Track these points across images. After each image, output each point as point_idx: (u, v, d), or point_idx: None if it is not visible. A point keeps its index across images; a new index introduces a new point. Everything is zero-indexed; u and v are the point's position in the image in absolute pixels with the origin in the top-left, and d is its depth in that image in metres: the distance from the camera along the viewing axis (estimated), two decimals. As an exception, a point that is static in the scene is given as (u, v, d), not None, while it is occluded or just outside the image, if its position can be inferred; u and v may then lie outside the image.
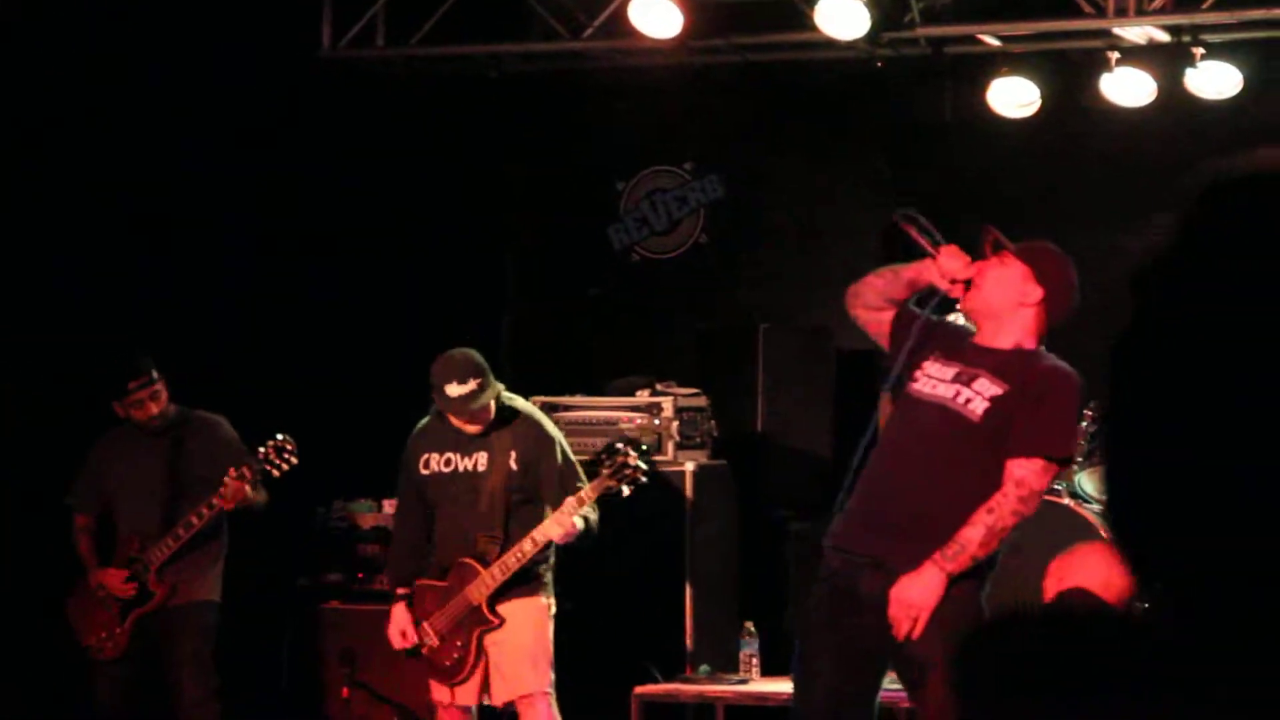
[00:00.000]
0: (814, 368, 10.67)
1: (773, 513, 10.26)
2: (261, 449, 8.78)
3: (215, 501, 8.70)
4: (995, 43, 10.13)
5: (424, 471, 8.31)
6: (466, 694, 8.28)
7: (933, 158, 10.77)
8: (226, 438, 8.98)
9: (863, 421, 10.50)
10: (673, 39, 9.92)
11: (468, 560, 8.19)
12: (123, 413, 8.86)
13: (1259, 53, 9.84)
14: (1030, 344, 6.53)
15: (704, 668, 9.52)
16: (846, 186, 11.28)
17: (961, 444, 6.41)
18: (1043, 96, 10.12)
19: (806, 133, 11.30)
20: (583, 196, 11.85)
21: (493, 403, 8.18)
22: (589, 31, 10.33)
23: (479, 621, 8.19)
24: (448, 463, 8.28)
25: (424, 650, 8.29)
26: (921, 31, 9.91)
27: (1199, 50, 9.79)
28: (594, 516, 8.16)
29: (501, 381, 8.30)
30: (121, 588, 8.84)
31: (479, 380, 8.09)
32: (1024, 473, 6.38)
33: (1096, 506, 9.03)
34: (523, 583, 8.19)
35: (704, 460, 9.94)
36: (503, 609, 8.20)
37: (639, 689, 9.22)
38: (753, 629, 9.41)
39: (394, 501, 8.87)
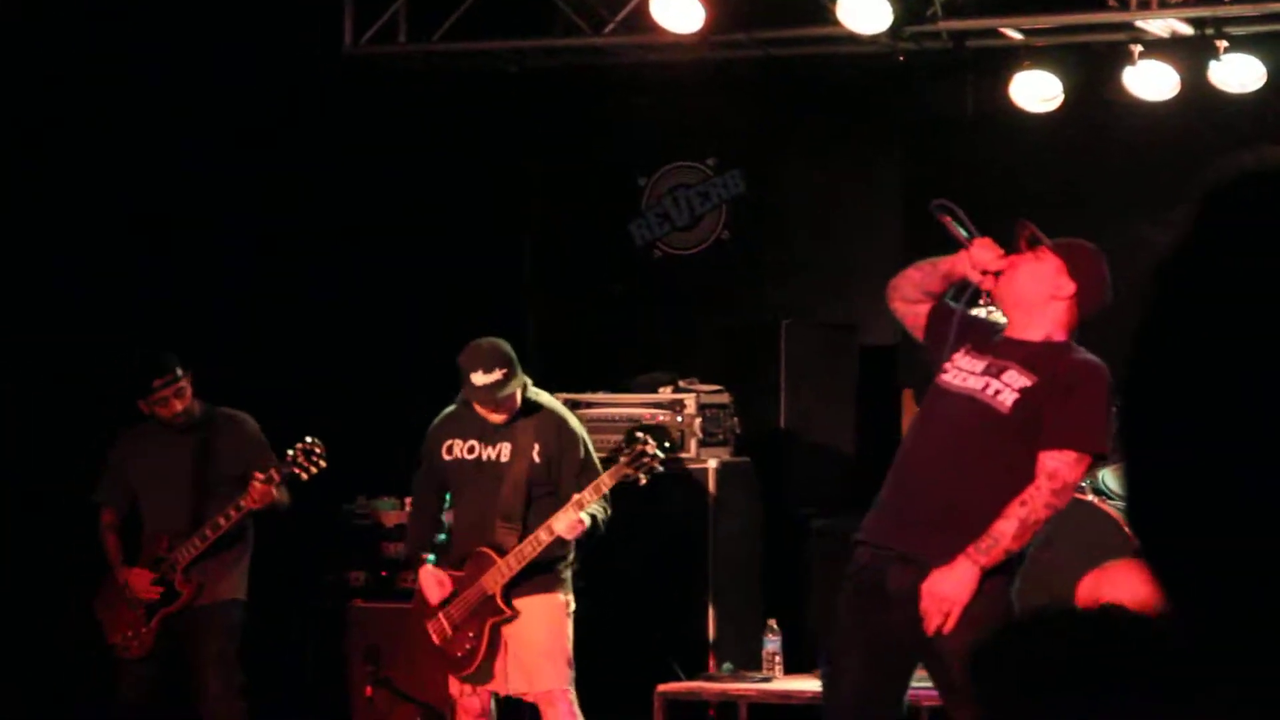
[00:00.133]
0: (837, 364, 10.66)
1: (796, 509, 10.25)
2: (290, 451, 8.79)
3: (243, 503, 8.71)
4: (1017, 36, 10.10)
5: (446, 457, 8.34)
6: (480, 688, 8.28)
7: (954, 152, 10.75)
8: (252, 435, 8.99)
9: (886, 418, 10.55)
10: (694, 34, 9.91)
11: (485, 549, 8.21)
12: (147, 410, 8.87)
13: (1283, 45, 9.82)
14: (1060, 336, 6.54)
15: (727, 665, 9.51)
16: (869, 181, 11.27)
17: (990, 436, 6.41)
18: (1065, 90, 10.09)
19: (828, 127, 11.29)
20: (604, 192, 11.85)
21: (519, 393, 8.21)
22: (611, 27, 10.32)
23: (493, 611, 8.20)
24: (471, 450, 8.31)
25: (438, 640, 8.31)
26: (943, 25, 9.89)
27: (1222, 43, 9.76)
28: (600, 512, 8.15)
29: (527, 375, 8.32)
30: (148, 590, 8.85)
31: (505, 370, 8.11)
32: (1056, 465, 6.37)
33: (1121, 503, 9.01)
34: (541, 579, 8.20)
35: (727, 457, 9.93)
36: (520, 604, 8.22)
37: (662, 686, 9.22)
38: (776, 626, 9.40)
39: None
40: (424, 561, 8.37)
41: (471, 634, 8.24)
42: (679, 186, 11.76)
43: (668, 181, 11.77)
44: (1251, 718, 1.42)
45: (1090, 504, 8.89)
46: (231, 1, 10.19)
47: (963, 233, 6.58)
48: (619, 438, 9.69)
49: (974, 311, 6.95)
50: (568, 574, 8.30)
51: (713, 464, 9.79)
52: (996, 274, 6.51)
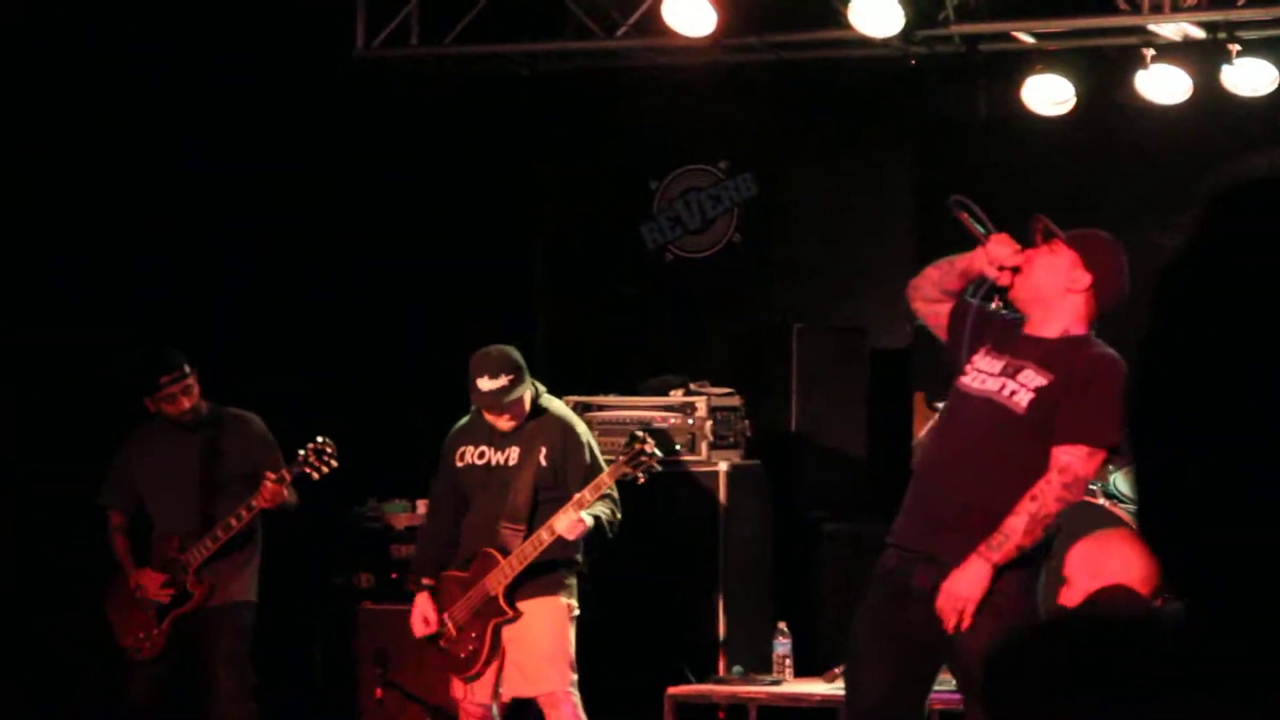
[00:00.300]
0: (848, 367, 10.66)
1: (806, 512, 10.25)
2: (301, 451, 8.80)
3: (254, 503, 8.73)
4: (1030, 40, 10.10)
5: (459, 464, 8.39)
6: (482, 690, 8.32)
7: (966, 155, 10.74)
8: (259, 434, 9.00)
9: (897, 421, 10.55)
10: (706, 37, 9.91)
11: (490, 550, 8.24)
12: (154, 408, 8.87)
13: (1295, 50, 9.81)
14: (1079, 330, 6.52)
15: (737, 668, 9.52)
16: (880, 185, 11.27)
17: (1007, 436, 6.41)
18: (1077, 94, 10.09)
19: (840, 131, 11.29)
20: (616, 195, 11.86)
21: (526, 399, 8.23)
22: (623, 30, 10.32)
23: (495, 612, 8.23)
24: (481, 455, 8.35)
25: (442, 641, 8.33)
26: (955, 29, 9.89)
27: (1235, 47, 9.76)
28: (607, 515, 8.17)
29: (537, 380, 8.34)
30: (159, 592, 8.86)
31: (511, 376, 8.14)
32: (1069, 459, 6.37)
33: (1132, 506, 9.00)
34: (544, 582, 8.24)
35: (738, 460, 9.93)
36: (523, 606, 8.25)
37: (672, 689, 9.22)
38: (786, 629, 9.41)
39: (427, 502, 8.91)
40: (424, 588, 8.39)
41: (474, 634, 8.27)
42: (691, 190, 11.76)
43: (679, 185, 11.78)
44: (1259, 717, 1.42)
45: (1102, 508, 8.89)
46: (243, 3, 10.20)
47: (979, 229, 6.57)
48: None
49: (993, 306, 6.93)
50: (572, 579, 8.32)
51: (723, 467, 9.79)
52: (1014, 270, 6.49)
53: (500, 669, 8.30)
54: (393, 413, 10.42)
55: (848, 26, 9.66)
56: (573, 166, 11.82)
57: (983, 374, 6.53)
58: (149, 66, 9.85)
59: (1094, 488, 8.76)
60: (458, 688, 8.37)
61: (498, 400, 8.16)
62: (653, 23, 10.01)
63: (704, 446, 9.84)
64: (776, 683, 9.31)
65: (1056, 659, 1.52)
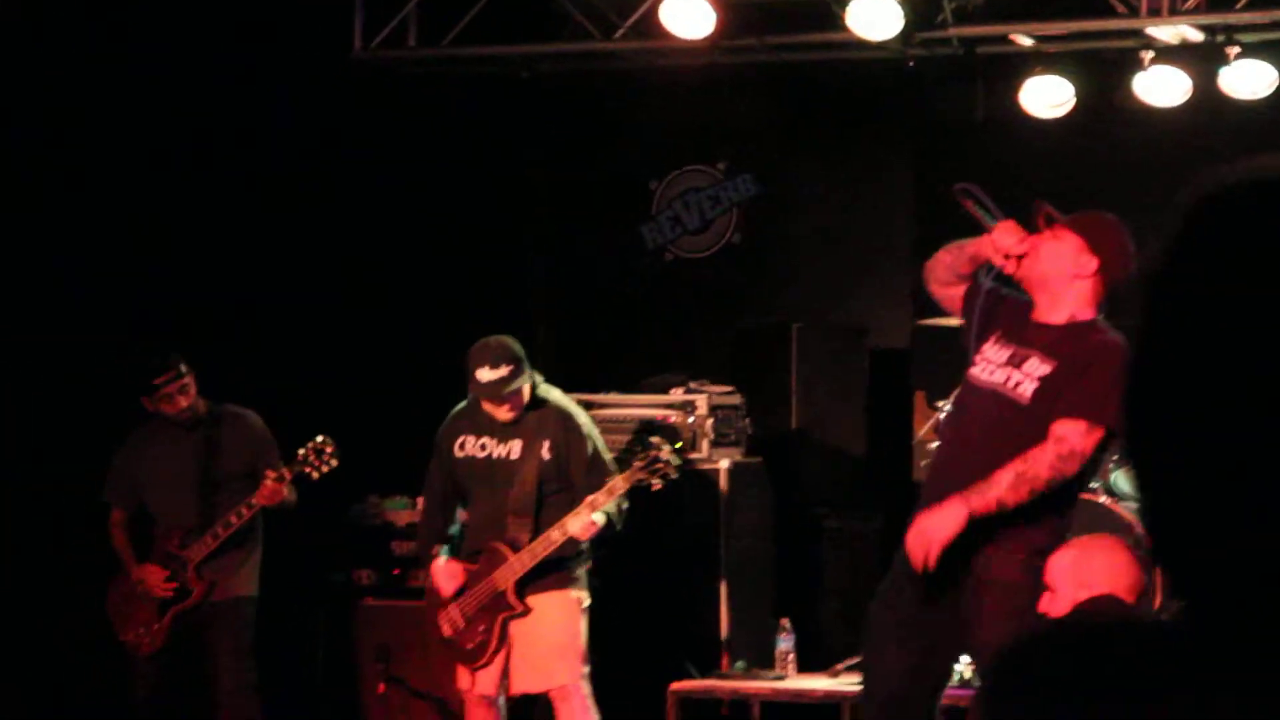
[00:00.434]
0: (847, 366, 10.70)
1: (807, 509, 10.29)
2: (301, 450, 8.83)
3: (254, 501, 8.76)
4: (1028, 42, 10.12)
5: (458, 454, 8.37)
6: (487, 681, 8.32)
7: (965, 157, 10.76)
8: (257, 431, 9.03)
9: (896, 419, 10.58)
10: (704, 39, 9.93)
11: (498, 545, 8.24)
12: (152, 407, 8.90)
13: (1293, 52, 9.84)
14: (1086, 314, 6.50)
15: (740, 664, 9.54)
16: (880, 186, 11.30)
17: (1013, 428, 6.41)
18: (1076, 96, 10.10)
19: (839, 133, 11.32)
20: (616, 196, 11.88)
21: (526, 389, 8.23)
22: (621, 32, 10.34)
23: (504, 607, 8.24)
24: (483, 448, 8.34)
25: (449, 631, 8.34)
26: (954, 31, 9.91)
27: (1233, 50, 9.78)
28: (615, 511, 8.18)
29: (537, 373, 8.34)
30: (161, 586, 8.89)
31: (511, 366, 8.13)
32: (1065, 431, 6.36)
33: (1133, 505, 9.03)
34: (555, 576, 8.24)
35: (739, 457, 9.96)
36: (534, 601, 8.25)
37: (675, 685, 9.23)
38: (788, 625, 9.43)
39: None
40: (437, 555, 8.40)
41: (483, 627, 8.27)
42: (690, 190, 11.79)
43: (679, 185, 11.81)
44: None
45: (1102, 506, 8.92)
46: (241, 3, 10.22)
47: (985, 216, 6.57)
48: (630, 439, 9.73)
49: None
50: (582, 571, 8.33)
51: (725, 464, 9.81)
52: (1020, 257, 6.49)
53: (508, 661, 8.31)
54: (394, 410, 10.44)
55: (846, 29, 9.67)
56: (572, 168, 11.84)
57: (991, 364, 6.54)
58: (147, 66, 9.85)
59: (1094, 486, 8.78)
60: (464, 678, 8.38)
61: (498, 391, 8.16)
62: (651, 24, 10.03)
63: (705, 444, 9.86)
64: (780, 678, 9.33)
65: (1058, 665, 1.52)
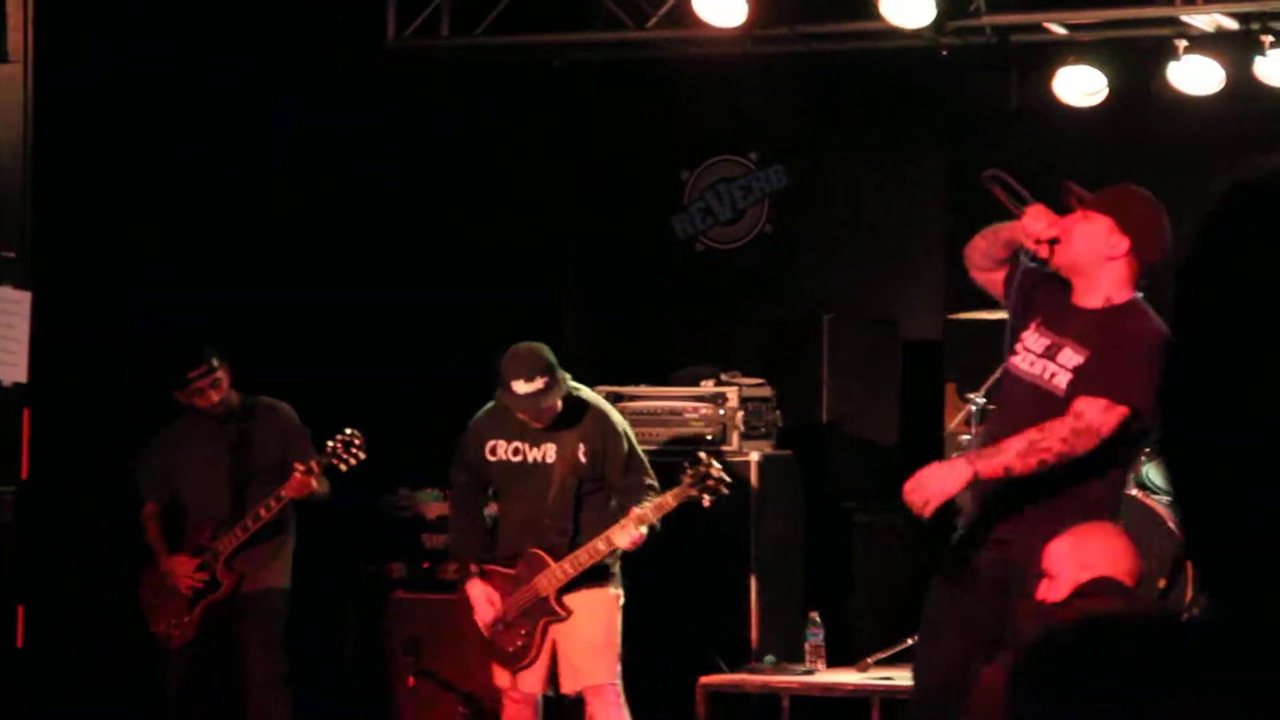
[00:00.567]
0: (879, 357, 10.66)
1: (838, 502, 10.26)
2: (330, 443, 8.83)
3: (283, 493, 8.77)
4: (1062, 31, 10.07)
5: (490, 458, 8.34)
6: (531, 681, 8.31)
7: (998, 146, 10.71)
8: (290, 423, 9.05)
9: (928, 411, 10.54)
10: (737, 28, 9.91)
11: (537, 551, 8.22)
12: (185, 401, 8.93)
13: (1329, 41, 9.77)
14: (1122, 296, 6.44)
15: (769, 658, 9.52)
16: (912, 175, 11.26)
17: (1050, 419, 6.38)
18: (1110, 85, 10.06)
19: (871, 122, 11.29)
20: (647, 186, 11.86)
21: (560, 401, 8.18)
22: (653, 21, 10.32)
23: (546, 612, 8.22)
24: (516, 451, 8.30)
25: (488, 634, 8.32)
26: (987, 20, 9.87)
27: (1268, 38, 9.73)
28: (655, 518, 8.17)
29: (566, 371, 8.30)
30: (191, 578, 8.90)
31: (546, 378, 8.08)
32: (1084, 406, 6.30)
33: (1164, 498, 8.99)
34: (592, 574, 8.22)
35: (769, 450, 9.93)
36: (572, 600, 8.23)
37: (704, 679, 9.23)
38: (818, 619, 9.40)
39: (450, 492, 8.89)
40: (473, 575, 8.36)
41: (524, 631, 8.25)
42: (721, 180, 11.76)
43: (710, 176, 11.78)
44: None
45: (1133, 498, 8.87)
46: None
47: (1014, 203, 6.51)
48: (660, 430, 9.71)
49: None
50: (617, 568, 8.32)
51: (755, 457, 9.79)
52: (1052, 242, 6.42)
53: (554, 660, 8.28)
54: (424, 401, 10.44)
55: (879, 18, 9.65)
56: (603, 157, 11.82)
57: (1030, 354, 6.50)
58: (181, 58, 9.86)
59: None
60: (503, 676, 8.36)
61: (535, 404, 8.11)
62: (683, 13, 10.01)
63: (735, 437, 9.84)
64: (809, 672, 9.31)
65: (1085, 662, 1.51)
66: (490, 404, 8.40)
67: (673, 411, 9.91)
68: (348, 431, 8.88)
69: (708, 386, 9.98)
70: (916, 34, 9.86)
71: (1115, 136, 10.36)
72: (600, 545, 8.11)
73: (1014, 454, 6.31)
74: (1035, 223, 6.42)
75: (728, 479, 8.25)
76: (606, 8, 10.35)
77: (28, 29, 8.54)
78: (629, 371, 10.26)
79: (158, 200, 9.92)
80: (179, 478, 9.02)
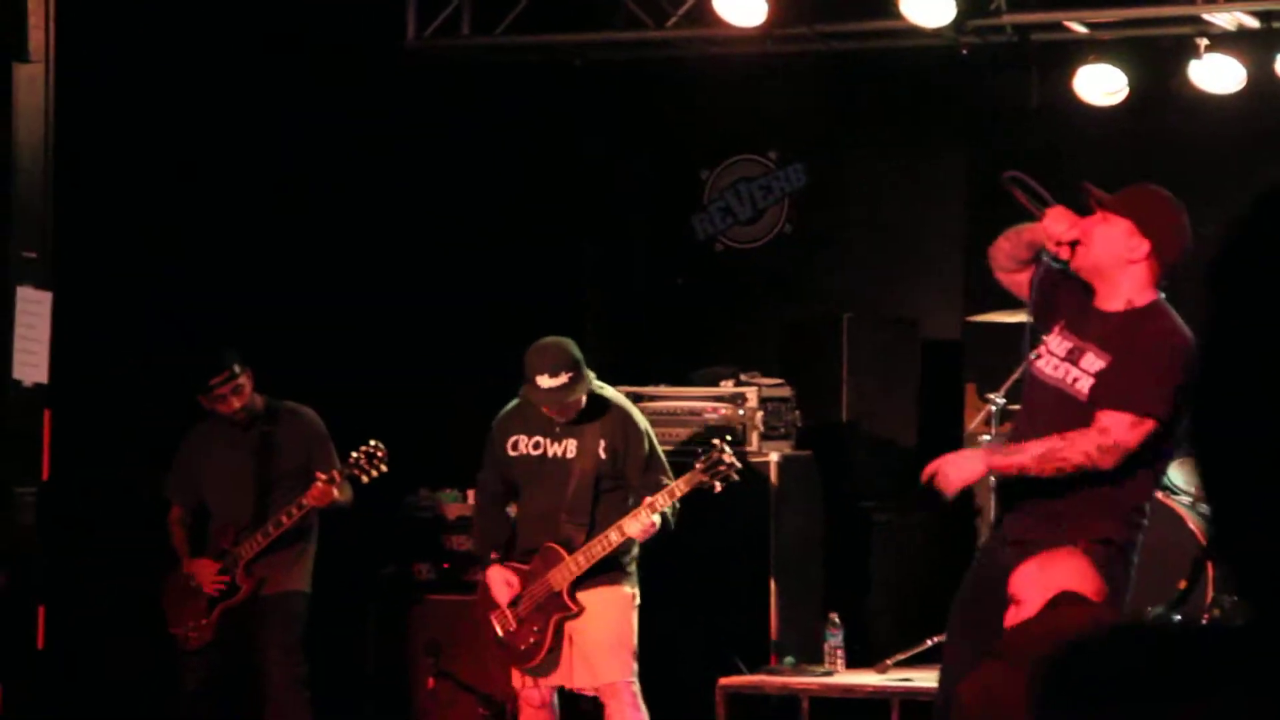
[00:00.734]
0: (898, 358, 10.65)
1: (857, 503, 10.25)
2: (354, 454, 8.86)
3: (305, 502, 8.79)
4: (1082, 29, 10.05)
5: (511, 453, 8.35)
6: (544, 680, 8.30)
7: (1018, 145, 10.69)
8: (314, 428, 9.06)
9: (948, 411, 10.53)
10: (757, 27, 9.91)
11: (552, 545, 8.23)
12: (209, 406, 8.96)
13: (1351, 39, 9.74)
14: (1144, 299, 6.41)
15: (789, 659, 9.51)
16: (932, 175, 11.24)
17: (1075, 423, 6.36)
18: (1130, 84, 10.03)
19: (891, 121, 11.27)
20: (667, 186, 11.85)
21: (584, 396, 8.19)
22: (673, 20, 10.31)
23: (559, 607, 8.22)
24: (536, 446, 8.32)
25: (501, 632, 8.33)
26: (1007, 18, 9.85)
27: (1290, 36, 9.71)
28: (670, 510, 8.16)
29: (591, 372, 8.31)
30: (212, 581, 8.92)
31: (571, 374, 8.10)
32: (1110, 422, 6.30)
33: (1185, 499, 8.96)
34: (607, 572, 8.22)
35: (788, 450, 9.92)
36: (586, 597, 8.23)
37: (724, 680, 9.22)
38: (837, 620, 9.40)
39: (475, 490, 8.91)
40: (493, 561, 8.38)
41: (537, 628, 8.26)
42: (741, 180, 11.75)
43: (730, 175, 11.77)
44: None
45: (1154, 499, 8.84)
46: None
47: (1035, 205, 6.49)
48: (680, 430, 9.70)
49: None
50: (632, 566, 8.32)
51: (774, 457, 9.78)
52: (1073, 244, 6.39)
53: (562, 659, 8.29)
54: (445, 401, 10.44)
55: (899, 17, 9.64)
56: (623, 157, 11.82)
57: (1053, 358, 6.49)
58: (201, 59, 9.88)
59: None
60: (517, 678, 8.38)
61: (559, 398, 8.13)
62: (703, 13, 10.01)
63: (755, 437, 9.83)
64: (828, 674, 9.31)
65: (1109, 670, 1.51)
66: (515, 400, 8.41)
67: (692, 411, 9.90)
68: (371, 443, 8.90)
69: (727, 387, 9.97)
70: (936, 33, 9.85)
71: (1136, 135, 10.34)
72: (613, 535, 8.11)
73: (1031, 456, 6.33)
74: (1056, 224, 6.40)
75: (739, 465, 8.25)
76: (627, 7, 10.34)
77: (49, 28, 8.54)
78: (648, 371, 10.26)
79: (177, 202, 9.94)
80: (203, 482, 9.06)
